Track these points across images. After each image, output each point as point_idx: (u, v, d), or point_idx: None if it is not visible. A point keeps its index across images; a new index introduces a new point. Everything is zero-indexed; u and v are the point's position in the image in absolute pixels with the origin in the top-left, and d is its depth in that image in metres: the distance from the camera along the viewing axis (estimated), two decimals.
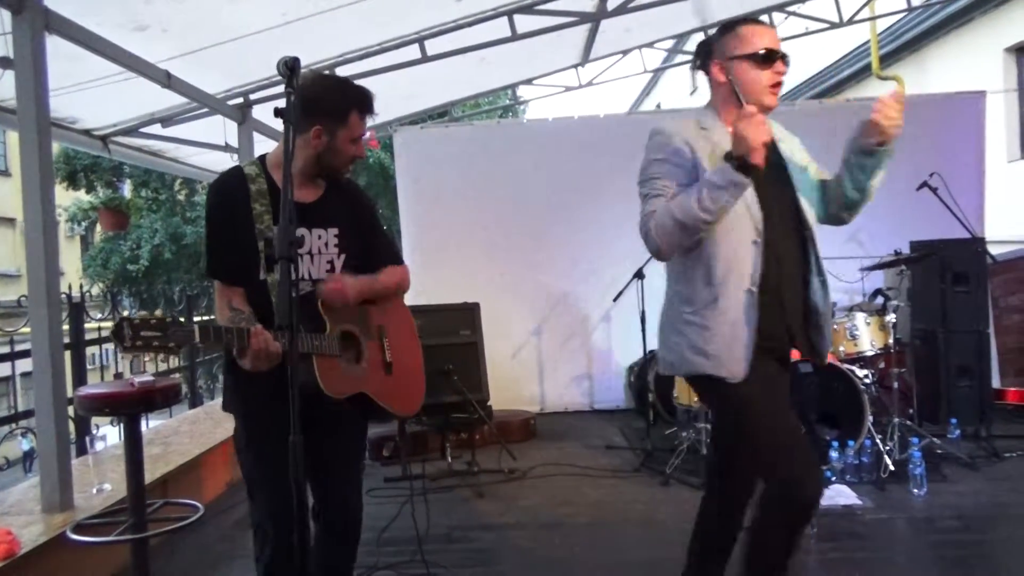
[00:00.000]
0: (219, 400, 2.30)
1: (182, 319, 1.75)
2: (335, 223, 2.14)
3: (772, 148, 2.05)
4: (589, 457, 4.86)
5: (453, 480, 4.41)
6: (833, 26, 7.03)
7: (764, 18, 6.93)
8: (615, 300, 5.26)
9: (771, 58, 2.00)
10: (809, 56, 12.16)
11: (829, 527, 3.47)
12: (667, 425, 5.23)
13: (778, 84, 2.02)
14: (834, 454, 4.05)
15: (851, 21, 7.00)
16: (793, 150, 2.18)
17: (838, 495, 3.83)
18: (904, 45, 10.06)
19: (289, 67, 1.75)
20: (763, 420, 2.02)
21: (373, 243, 2.28)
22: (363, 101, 2.08)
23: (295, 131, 1.89)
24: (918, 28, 9.66)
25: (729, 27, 2.07)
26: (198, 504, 2.96)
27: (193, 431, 4.73)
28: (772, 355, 2.06)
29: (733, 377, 1.98)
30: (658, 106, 21.18)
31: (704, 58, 2.13)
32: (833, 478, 4.02)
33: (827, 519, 3.55)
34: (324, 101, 2.03)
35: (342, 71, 5.16)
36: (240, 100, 5.25)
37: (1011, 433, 4.89)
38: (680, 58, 10.09)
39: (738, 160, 1.84)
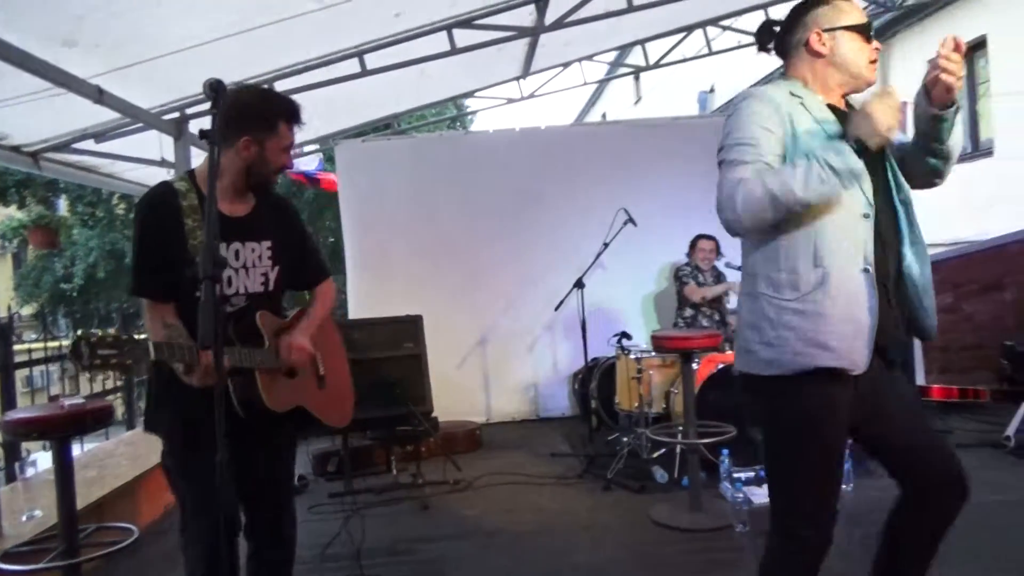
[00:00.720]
0: None
1: (136, 336, 1.75)
2: (268, 236, 2.17)
3: None
4: (534, 465, 4.92)
5: (399, 493, 4.42)
6: None
7: (699, 32, 7.16)
8: (556, 309, 5.35)
9: (871, 31, 1.92)
10: (745, 68, 12.53)
11: (762, 524, 3.56)
12: (610, 431, 5.33)
13: (874, 61, 1.92)
14: None
15: None
16: None
17: None
18: None
19: (214, 89, 1.77)
20: (821, 451, 1.85)
21: (304, 256, 2.33)
22: (290, 110, 2.11)
23: (220, 149, 1.93)
24: None
25: (823, 1, 1.95)
26: (133, 527, 2.92)
27: (131, 453, 4.63)
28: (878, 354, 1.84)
29: (855, 368, 1.77)
30: (603, 116, 21.50)
31: (790, 29, 1.99)
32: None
33: (760, 516, 3.66)
34: (252, 111, 2.07)
35: (280, 85, 5.14)
36: (176, 115, 5.18)
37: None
38: (622, 70, 10.31)
39: (857, 143, 1.72)
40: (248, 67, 4.99)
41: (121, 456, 4.55)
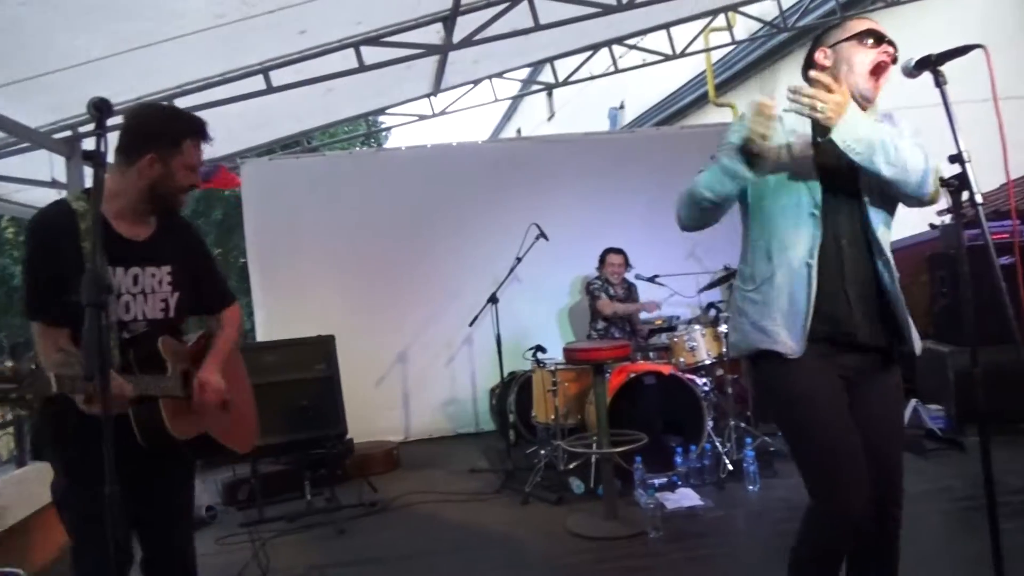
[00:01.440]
0: None
1: (34, 367, 1.66)
2: (169, 261, 2.12)
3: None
4: (452, 482, 4.89)
5: (313, 518, 4.30)
6: (668, 58, 7.54)
7: (604, 51, 7.36)
8: (471, 325, 5.35)
9: (877, 38, 1.96)
10: (653, 86, 12.95)
11: (674, 529, 3.68)
12: (528, 444, 5.36)
13: (881, 67, 1.96)
14: (679, 459, 4.31)
15: (683, 54, 7.54)
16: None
17: (683, 498, 4.08)
18: (735, 75, 10.92)
19: (98, 108, 1.71)
20: (810, 424, 1.96)
21: (206, 282, 2.28)
22: (197, 128, 2.07)
23: (106, 170, 1.85)
24: (746, 59, 10.53)
25: (836, 24, 2.08)
26: (20, 572, 2.75)
27: (20, 492, 4.32)
28: (835, 344, 1.98)
29: (791, 353, 1.95)
30: (518, 132, 21.74)
31: (809, 53, 2.12)
32: (679, 482, 4.28)
33: (673, 521, 3.77)
34: (157, 129, 2.02)
35: (181, 102, 4.98)
36: (68, 133, 4.95)
37: None
38: (534, 87, 10.47)
39: (742, 148, 1.90)
40: (146, 84, 4.82)
41: (9, 496, 4.24)
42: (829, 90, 1.85)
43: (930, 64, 1.84)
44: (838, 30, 2.05)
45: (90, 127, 4.95)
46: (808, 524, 2.01)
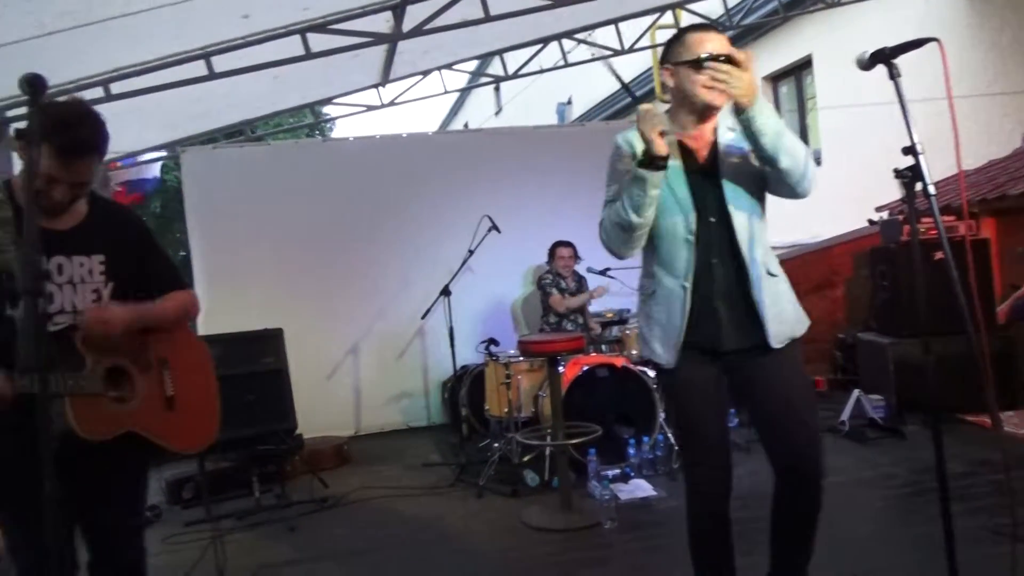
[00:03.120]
0: None
1: None
2: (100, 249, 2.00)
3: (712, 145, 2.15)
4: (405, 477, 4.83)
5: (262, 516, 4.19)
6: (616, 53, 7.59)
7: (553, 46, 7.36)
8: (423, 318, 5.28)
9: (701, 63, 2.00)
10: (601, 82, 13.03)
11: (629, 519, 3.70)
12: (481, 438, 5.33)
13: (713, 84, 1.99)
14: (631, 451, 4.34)
15: (631, 49, 7.60)
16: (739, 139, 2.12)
17: (636, 488, 4.11)
18: None
19: (31, 84, 1.60)
20: (682, 416, 2.28)
21: (150, 268, 2.15)
22: (59, 134, 1.79)
23: (38, 149, 1.75)
24: None
25: (677, 36, 2.14)
26: None
27: None
28: (704, 352, 2.15)
29: (667, 364, 2.18)
30: (466, 125, 21.65)
31: (661, 64, 2.20)
32: (632, 473, 4.31)
33: (627, 512, 3.79)
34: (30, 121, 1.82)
35: (118, 86, 4.78)
36: None
37: None
38: (483, 79, 10.41)
39: (644, 155, 2.01)
40: (81, 66, 4.62)
41: None
42: (741, 69, 1.91)
43: (884, 57, 1.87)
44: (678, 47, 2.09)
45: (18, 111, 4.73)
46: (687, 500, 2.28)
